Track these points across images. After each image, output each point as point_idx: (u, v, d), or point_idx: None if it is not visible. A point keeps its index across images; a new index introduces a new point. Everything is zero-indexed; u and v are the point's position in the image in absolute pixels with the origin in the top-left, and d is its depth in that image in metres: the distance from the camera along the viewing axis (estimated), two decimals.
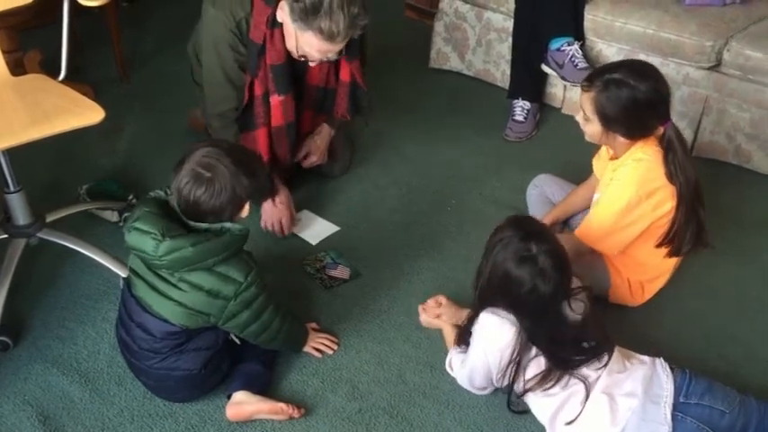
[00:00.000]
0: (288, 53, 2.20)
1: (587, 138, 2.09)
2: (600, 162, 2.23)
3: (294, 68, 2.27)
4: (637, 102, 1.93)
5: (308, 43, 2.07)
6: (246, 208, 1.78)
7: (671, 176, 1.99)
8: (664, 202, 2.01)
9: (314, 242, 2.43)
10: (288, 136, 2.36)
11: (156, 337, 1.77)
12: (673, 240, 2.04)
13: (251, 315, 1.78)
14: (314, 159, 2.55)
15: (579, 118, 2.06)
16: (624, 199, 1.99)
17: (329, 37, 2.02)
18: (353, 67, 2.35)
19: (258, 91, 2.27)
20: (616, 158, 2.08)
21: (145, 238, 1.66)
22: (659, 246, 2.06)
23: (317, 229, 2.48)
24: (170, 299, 1.72)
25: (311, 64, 2.21)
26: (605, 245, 2.07)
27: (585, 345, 1.74)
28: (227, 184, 1.68)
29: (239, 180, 1.70)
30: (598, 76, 1.99)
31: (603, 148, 2.21)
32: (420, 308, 2.12)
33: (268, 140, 2.35)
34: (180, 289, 1.71)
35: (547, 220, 2.25)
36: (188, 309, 1.72)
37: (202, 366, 1.81)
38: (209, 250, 1.67)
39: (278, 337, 1.87)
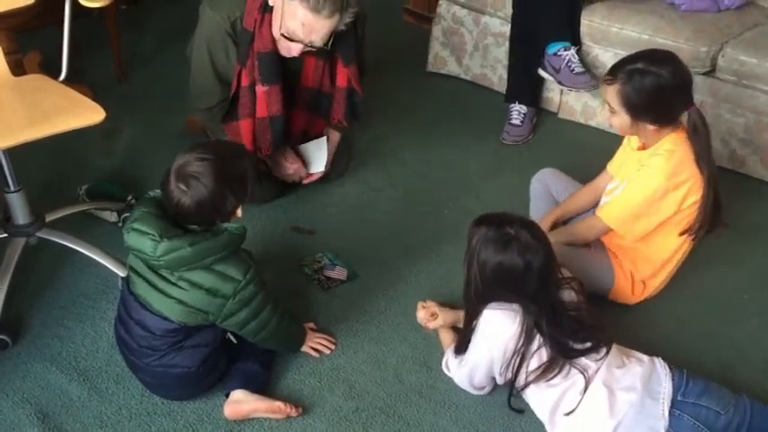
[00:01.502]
0: (275, 45, 2.20)
1: (617, 131, 2.11)
2: (624, 153, 2.24)
3: (287, 68, 2.27)
4: (662, 87, 1.96)
5: (293, 15, 2.06)
6: (239, 212, 1.80)
7: (698, 161, 2.01)
8: (690, 194, 2.04)
9: (323, 167, 2.51)
10: (271, 129, 2.34)
11: (155, 335, 1.78)
12: (701, 225, 2.08)
13: (250, 313, 1.79)
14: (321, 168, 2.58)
15: (605, 112, 2.09)
16: (652, 187, 2.01)
17: (315, 9, 2.02)
18: (350, 73, 2.35)
19: (245, 81, 2.27)
20: (644, 149, 2.10)
21: (143, 239, 1.68)
22: (683, 233, 2.09)
23: (315, 154, 2.54)
24: (169, 297, 1.74)
25: (294, 53, 2.19)
26: (626, 228, 2.09)
27: (583, 334, 1.77)
28: (204, 198, 1.68)
29: (221, 194, 1.70)
30: (619, 68, 2.02)
31: (627, 140, 2.22)
32: (419, 305, 2.13)
33: (252, 132, 2.35)
34: (179, 287, 1.73)
35: (548, 220, 2.27)
36: (187, 306, 1.74)
37: (200, 364, 1.82)
38: (207, 249, 1.69)
39: (276, 335, 1.89)
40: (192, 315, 1.75)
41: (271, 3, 2.14)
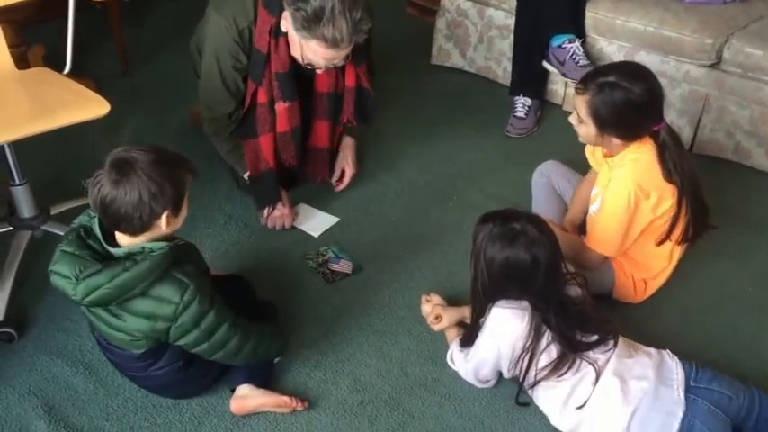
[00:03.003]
0: (293, 61, 2.20)
1: (581, 139, 2.11)
2: (595, 156, 2.25)
3: (302, 77, 2.26)
4: (631, 104, 1.95)
5: (312, 51, 2.07)
6: (164, 219, 1.62)
7: (669, 175, 2.01)
8: (662, 201, 2.03)
9: (316, 234, 2.45)
10: (294, 141, 2.37)
11: (126, 363, 1.77)
12: (686, 231, 2.08)
13: (200, 334, 1.68)
14: (350, 173, 2.56)
15: (573, 120, 2.08)
16: (624, 201, 2.00)
17: (333, 44, 2.01)
18: (360, 71, 2.34)
19: (263, 99, 2.26)
20: (611, 156, 2.10)
21: (63, 282, 1.62)
22: (678, 242, 2.10)
23: (316, 222, 2.50)
24: (117, 330, 1.69)
25: (318, 71, 2.20)
26: (620, 249, 2.09)
27: (590, 327, 1.78)
28: (132, 190, 1.56)
29: (148, 189, 1.56)
30: (592, 78, 2.01)
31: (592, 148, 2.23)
32: (423, 298, 2.14)
33: (273, 146, 2.35)
34: (121, 319, 1.66)
35: (566, 225, 2.29)
36: (135, 337, 1.68)
37: (184, 374, 1.80)
38: (129, 281, 1.59)
39: (239, 355, 1.77)
40: (141, 343, 1.70)
41: (284, 29, 2.12)
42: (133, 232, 1.63)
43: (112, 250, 1.63)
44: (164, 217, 1.62)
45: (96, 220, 1.65)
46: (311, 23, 1.98)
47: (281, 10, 2.09)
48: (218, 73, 2.26)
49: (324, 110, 2.40)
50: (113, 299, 1.61)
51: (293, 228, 2.46)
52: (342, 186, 2.57)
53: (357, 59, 2.28)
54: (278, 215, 2.43)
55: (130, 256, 1.61)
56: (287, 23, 2.09)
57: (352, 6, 1.97)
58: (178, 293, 1.63)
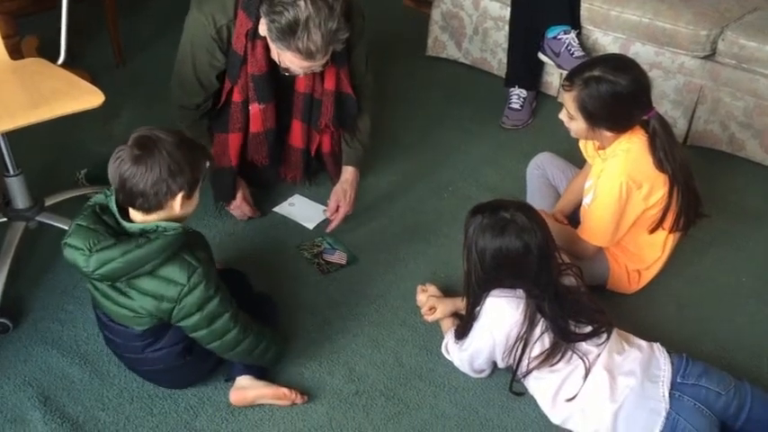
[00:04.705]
0: (271, 63, 2.19)
1: (573, 135, 2.12)
2: (587, 149, 2.25)
3: (281, 76, 2.22)
4: (618, 95, 1.95)
5: (289, 61, 2.05)
6: (179, 200, 1.66)
7: (660, 164, 2.01)
8: (654, 190, 2.03)
9: (311, 226, 2.45)
10: (267, 142, 2.36)
11: (126, 342, 1.77)
12: (678, 220, 2.09)
13: (202, 319, 1.70)
14: (344, 211, 2.39)
15: (563, 117, 2.09)
16: (616, 190, 2.01)
17: (308, 56, 1.99)
18: (342, 73, 2.29)
19: (237, 98, 2.25)
20: (603, 149, 2.10)
21: (76, 254, 1.63)
22: (670, 230, 2.10)
23: (311, 213, 2.50)
24: (122, 306, 1.70)
25: (297, 74, 2.19)
26: (613, 239, 2.10)
27: (584, 319, 1.78)
28: (153, 166, 1.59)
29: (168, 167, 1.60)
30: (577, 74, 2.01)
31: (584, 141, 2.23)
32: (419, 288, 2.14)
33: (240, 146, 2.35)
34: (128, 296, 1.68)
35: (557, 215, 2.29)
36: (138, 314, 1.69)
37: (183, 359, 1.80)
38: (140, 258, 1.61)
39: (236, 349, 1.78)
40: (145, 320, 1.71)
41: (262, 33, 2.10)
42: (148, 209, 1.65)
43: (127, 225, 1.65)
44: (178, 197, 1.65)
45: (113, 198, 1.68)
46: (286, 35, 1.96)
47: (259, 16, 2.06)
48: (191, 66, 2.25)
49: (299, 110, 2.36)
50: (123, 274, 1.63)
51: (285, 217, 2.47)
52: (333, 225, 2.38)
53: (339, 61, 2.25)
54: (232, 207, 2.43)
55: (144, 234, 1.64)
56: (265, 30, 2.07)
57: (328, 17, 1.94)
58: (186, 275, 1.65)
